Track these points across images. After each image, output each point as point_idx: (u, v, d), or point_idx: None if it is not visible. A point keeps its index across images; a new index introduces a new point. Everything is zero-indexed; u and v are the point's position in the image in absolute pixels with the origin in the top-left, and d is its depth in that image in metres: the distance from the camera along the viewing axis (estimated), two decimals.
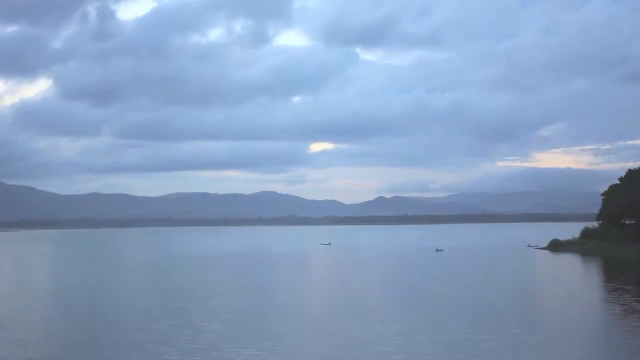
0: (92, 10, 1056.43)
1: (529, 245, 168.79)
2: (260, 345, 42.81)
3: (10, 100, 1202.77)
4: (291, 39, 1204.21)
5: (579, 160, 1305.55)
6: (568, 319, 53.50)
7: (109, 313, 59.43)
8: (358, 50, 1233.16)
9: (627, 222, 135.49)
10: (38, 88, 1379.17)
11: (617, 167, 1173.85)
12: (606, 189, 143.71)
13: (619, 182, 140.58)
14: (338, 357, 39.95)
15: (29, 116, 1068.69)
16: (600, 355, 41.15)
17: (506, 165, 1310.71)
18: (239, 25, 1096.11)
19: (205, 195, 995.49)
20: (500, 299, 66.39)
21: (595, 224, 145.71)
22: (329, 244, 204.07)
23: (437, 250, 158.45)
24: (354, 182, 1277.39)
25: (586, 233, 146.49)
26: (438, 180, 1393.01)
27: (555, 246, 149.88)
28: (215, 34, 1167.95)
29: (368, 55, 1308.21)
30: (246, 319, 54.53)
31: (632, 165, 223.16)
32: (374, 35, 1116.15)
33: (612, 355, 40.66)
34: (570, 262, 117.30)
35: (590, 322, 52.29)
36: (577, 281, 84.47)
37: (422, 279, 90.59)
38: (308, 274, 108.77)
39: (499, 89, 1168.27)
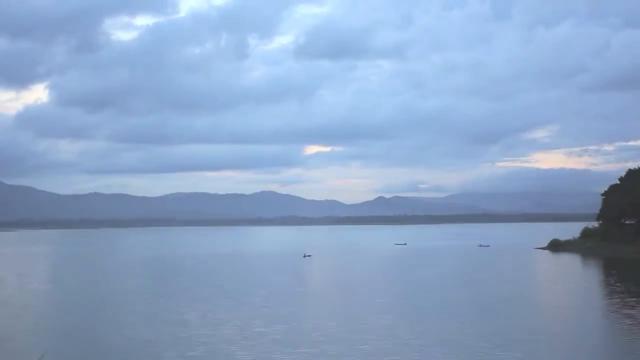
0: (88, 26, 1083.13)
1: (480, 245, 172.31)
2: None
3: (12, 107, 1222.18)
4: (282, 49, 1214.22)
5: (578, 161, 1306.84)
6: (568, 319, 53.21)
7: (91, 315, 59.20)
8: (346, 58, 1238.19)
9: (627, 222, 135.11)
10: (39, 96, 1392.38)
11: (617, 167, 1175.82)
12: (606, 189, 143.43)
13: (619, 182, 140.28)
14: None
15: (29, 122, 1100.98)
16: (600, 355, 40.77)
17: (506, 165, 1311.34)
18: (230, 39, 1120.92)
19: (205, 195, 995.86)
20: (486, 298, 66.19)
21: (595, 224, 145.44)
22: (405, 244, 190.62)
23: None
24: (353, 182, 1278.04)
25: (586, 233, 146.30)
26: (438, 180, 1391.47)
27: (555, 246, 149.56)
28: (209, 46, 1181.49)
29: (357, 63, 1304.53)
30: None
31: (632, 165, 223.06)
32: (361, 43, 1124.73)
33: (612, 355, 40.32)
34: (570, 262, 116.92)
35: (590, 322, 51.98)
36: (577, 281, 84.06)
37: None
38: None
39: (493, 93, 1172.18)
